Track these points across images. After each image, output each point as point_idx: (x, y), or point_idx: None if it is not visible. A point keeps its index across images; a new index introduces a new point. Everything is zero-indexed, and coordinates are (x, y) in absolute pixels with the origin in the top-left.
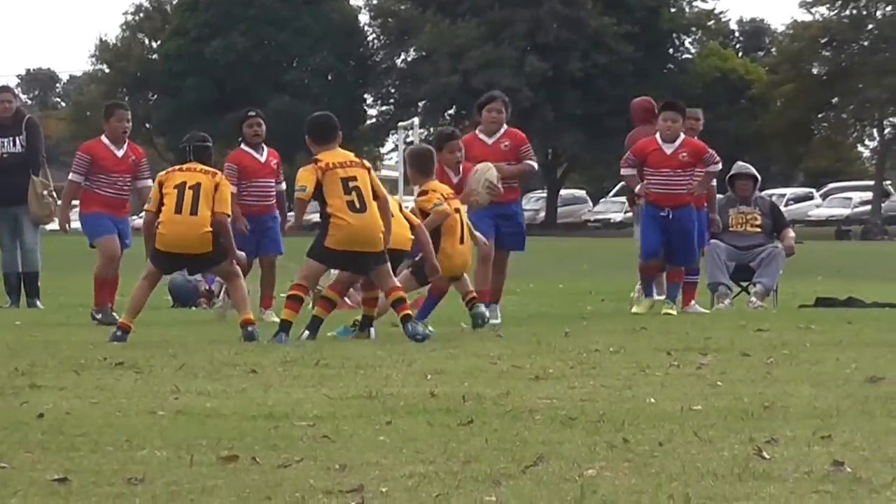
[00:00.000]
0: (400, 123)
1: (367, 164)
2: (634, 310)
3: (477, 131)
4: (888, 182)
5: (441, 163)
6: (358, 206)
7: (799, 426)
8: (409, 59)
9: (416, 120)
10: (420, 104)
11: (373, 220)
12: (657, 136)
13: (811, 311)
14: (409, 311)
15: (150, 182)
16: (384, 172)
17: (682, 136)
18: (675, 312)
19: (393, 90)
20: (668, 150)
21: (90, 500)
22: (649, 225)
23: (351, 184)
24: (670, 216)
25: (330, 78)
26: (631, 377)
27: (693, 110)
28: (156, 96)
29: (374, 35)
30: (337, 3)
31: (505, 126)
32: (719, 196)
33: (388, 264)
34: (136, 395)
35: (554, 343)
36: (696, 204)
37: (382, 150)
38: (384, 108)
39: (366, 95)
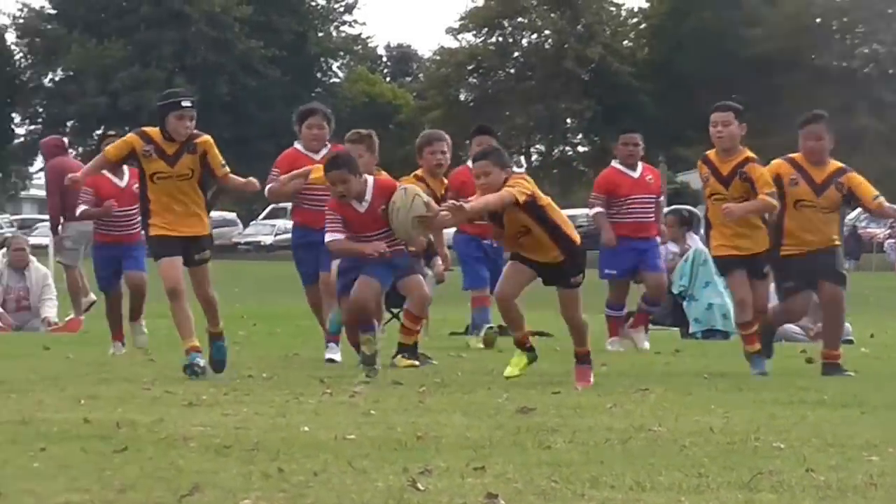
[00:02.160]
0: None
1: None
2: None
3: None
4: None
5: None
6: None
7: (452, 457)
8: (56, 78)
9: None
10: (68, 124)
11: None
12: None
13: (461, 339)
14: None
15: None
16: (32, 192)
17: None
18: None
19: (41, 109)
20: None
21: None
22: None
23: None
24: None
25: None
26: (284, 405)
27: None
28: None
29: (21, 54)
30: None
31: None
32: None
33: None
34: None
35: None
36: None
37: (31, 170)
38: (32, 127)
39: (14, 114)
